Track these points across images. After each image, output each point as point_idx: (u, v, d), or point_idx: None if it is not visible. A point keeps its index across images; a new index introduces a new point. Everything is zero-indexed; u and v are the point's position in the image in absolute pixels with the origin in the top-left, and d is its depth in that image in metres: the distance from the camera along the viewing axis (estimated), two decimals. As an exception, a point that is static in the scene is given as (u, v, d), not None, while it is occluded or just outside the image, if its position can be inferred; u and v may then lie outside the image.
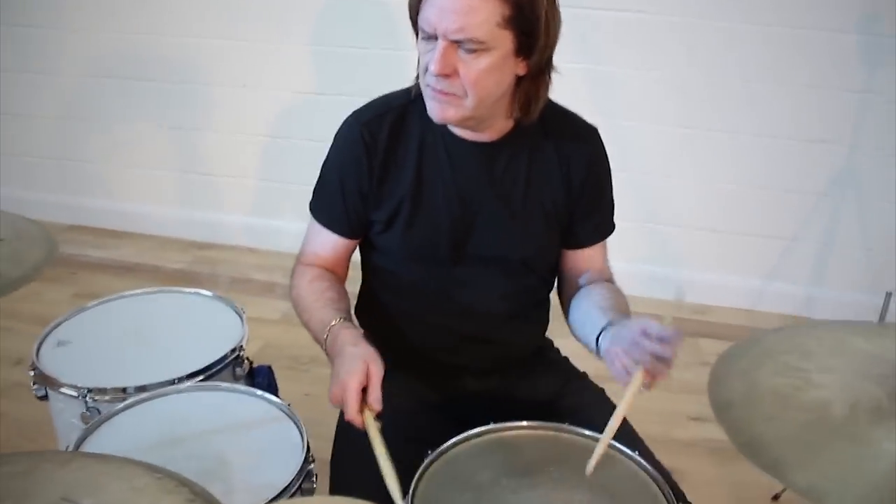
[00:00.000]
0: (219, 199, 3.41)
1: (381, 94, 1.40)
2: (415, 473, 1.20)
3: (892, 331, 0.97)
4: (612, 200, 1.47)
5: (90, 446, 1.26)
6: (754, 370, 0.87)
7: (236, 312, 1.66)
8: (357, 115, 1.38)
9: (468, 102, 1.23)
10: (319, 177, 1.44)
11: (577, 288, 1.45)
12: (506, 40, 1.19)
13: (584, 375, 1.54)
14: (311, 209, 1.44)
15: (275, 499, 1.15)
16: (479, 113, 1.27)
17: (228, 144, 3.30)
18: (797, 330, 0.99)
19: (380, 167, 1.34)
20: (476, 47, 1.18)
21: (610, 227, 1.47)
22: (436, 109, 1.26)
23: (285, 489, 1.17)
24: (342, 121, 1.41)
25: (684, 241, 3.06)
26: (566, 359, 1.58)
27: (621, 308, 1.36)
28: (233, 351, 1.51)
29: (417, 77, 1.31)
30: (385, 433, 1.34)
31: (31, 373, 1.48)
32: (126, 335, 1.57)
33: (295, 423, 1.31)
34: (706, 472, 2.23)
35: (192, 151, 3.35)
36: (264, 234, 3.41)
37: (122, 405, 1.35)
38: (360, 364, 1.20)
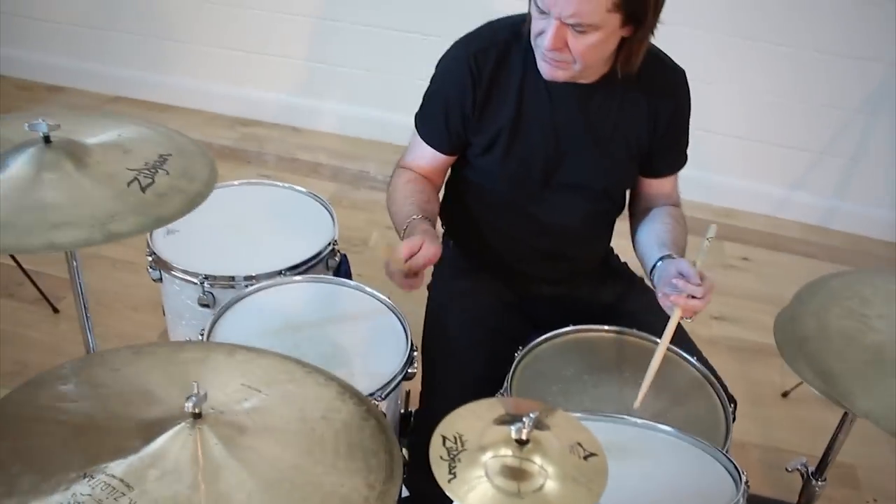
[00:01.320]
0: (265, 77, 3.47)
1: (487, 23, 1.49)
2: (499, 363, 1.41)
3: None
4: (688, 139, 1.58)
5: (221, 329, 1.43)
6: (824, 312, 1.03)
7: (325, 207, 1.81)
8: (466, 44, 1.47)
9: (576, 67, 1.34)
10: (426, 94, 1.54)
11: (646, 211, 1.60)
12: (614, 20, 1.28)
13: (641, 280, 1.71)
14: (415, 122, 1.56)
15: (387, 384, 1.33)
16: (585, 74, 1.38)
17: (277, 22, 3.33)
18: (855, 276, 1.14)
19: (483, 96, 1.45)
20: (586, 29, 1.27)
21: (683, 161, 1.60)
22: (546, 70, 1.37)
23: (397, 374, 1.35)
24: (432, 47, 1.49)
25: (717, 146, 3.17)
26: (625, 264, 1.75)
27: (677, 240, 1.51)
28: (328, 245, 1.67)
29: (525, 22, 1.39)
30: (471, 324, 1.54)
31: (150, 258, 1.64)
32: (228, 226, 1.72)
33: (396, 315, 1.49)
34: (726, 369, 2.38)
35: (240, 28, 3.38)
36: (308, 115, 3.50)
37: (242, 293, 1.51)
38: (418, 237, 1.33)
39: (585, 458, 0.82)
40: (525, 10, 1.44)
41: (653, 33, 1.38)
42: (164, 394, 1.01)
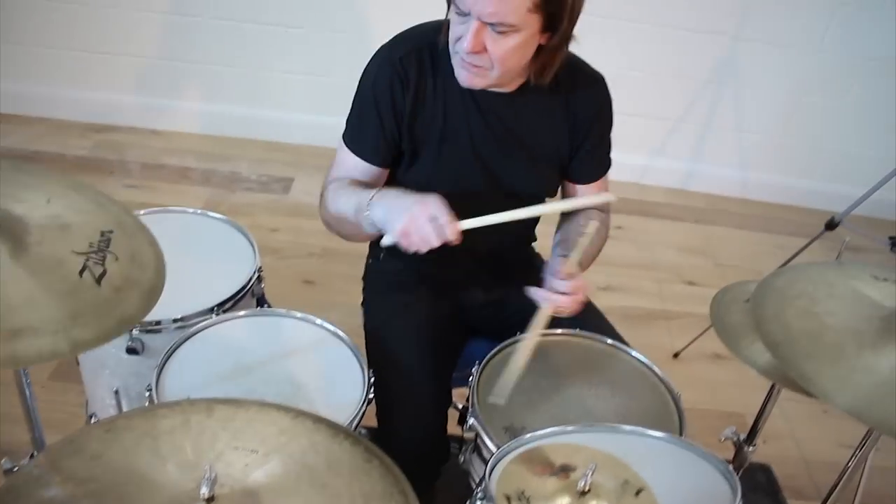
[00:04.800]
0: (116, 78, 3.24)
1: (406, 30, 1.47)
2: (445, 374, 1.52)
3: (855, 271, 1.25)
4: (610, 142, 1.62)
5: (169, 380, 1.35)
6: (783, 314, 1.11)
7: (240, 231, 1.74)
8: (390, 50, 1.44)
9: (493, 73, 1.35)
10: (354, 110, 1.49)
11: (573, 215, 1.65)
12: (534, 22, 1.29)
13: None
14: (345, 141, 1.51)
15: (356, 414, 1.32)
16: (502, 81, 1.40)
17: (125, 19, 3.11)
18: (795, 275, 1.22)
19: (412, 100, 1.43)
20: (506, 29, 1.28)
21: (606, 166, 1.64)
22: (464, 77, 1.37)
23: (362, 402, 1.34)
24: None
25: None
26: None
27: (574, 240, 1.51)
28: (254, 273, 1.61)
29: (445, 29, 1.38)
30: (413, 339, 1.55)
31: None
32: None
33: (342, 340, 1.47)
34: (621, 336, 2.60)
35: (84, 27, 3.12)
36: (167, 115, 3.31)
37: (184, 335, 1.43)
38: (433, 196, 1.30)
39: (637, 493, 0.87)
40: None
41: (567, 44, 1.41)
42: (161, 476, 0.95)
